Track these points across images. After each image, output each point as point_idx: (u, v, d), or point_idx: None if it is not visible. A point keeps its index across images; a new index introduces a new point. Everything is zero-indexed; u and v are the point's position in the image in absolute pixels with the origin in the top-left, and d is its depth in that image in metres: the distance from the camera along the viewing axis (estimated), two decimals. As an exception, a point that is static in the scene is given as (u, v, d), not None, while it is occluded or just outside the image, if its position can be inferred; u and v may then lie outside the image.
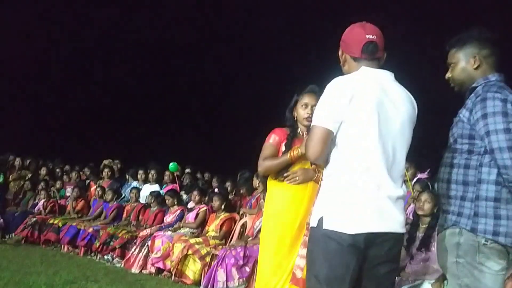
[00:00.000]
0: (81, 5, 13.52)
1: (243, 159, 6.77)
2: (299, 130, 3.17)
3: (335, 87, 2.15)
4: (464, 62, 2.35)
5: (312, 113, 2.95)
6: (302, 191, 2.99)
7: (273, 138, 3.16)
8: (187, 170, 9.00)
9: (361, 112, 2.09)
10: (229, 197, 6.76)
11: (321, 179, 2.27)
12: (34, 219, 8.00)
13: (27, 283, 5.03)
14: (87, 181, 9.22)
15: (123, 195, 8.10)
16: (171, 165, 7.74)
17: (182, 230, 6.27)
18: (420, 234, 3.95)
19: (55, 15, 13.38)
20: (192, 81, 14.14)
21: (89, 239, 7.15)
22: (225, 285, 4.85)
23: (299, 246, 2.92)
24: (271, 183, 3.15)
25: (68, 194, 8.88)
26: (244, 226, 5.77)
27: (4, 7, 12.58)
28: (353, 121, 2.09)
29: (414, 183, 5.20)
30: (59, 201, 8.71)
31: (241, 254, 4.95)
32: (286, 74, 10.82)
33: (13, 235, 8.04)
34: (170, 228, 6.42)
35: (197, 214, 6.41)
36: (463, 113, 2.26)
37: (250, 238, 5.24)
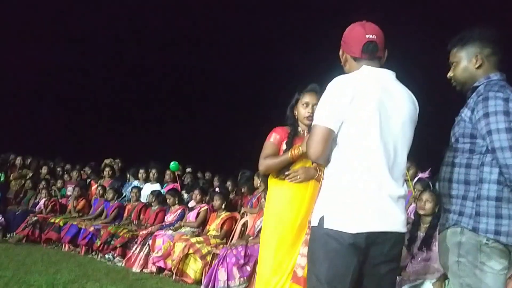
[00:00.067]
0: (81, 4, 13.52)
1: (243, 158, 6.78)
2: (299, 129, 3.17)
3: (336, 86, 2.15)
4: (466, 61, 2.34)
5: (313, 112, 2.95)
6: (303, 190, 2.99)
7: (274, 137, 3.16)
8: (188, 170, 9.00)
9: (362, 111, 2.08)
10: (230, 196, 6.77)
11: (322, 178, 2.27)
12: (35, 218, 8.01)
13: (28, 282, 5.04)
14: (88, 180, 9.23)
15: (124, 194, 8.10)
16: (172, 164, 7.75)
17: (183, 229, 6.28)
18: (421, 234, 3.95)
19: (55, 14, 13.38)
20: (192, 81, 14.14)
21: (90, 238, 7.16)
22: (226, 284, 4.85)
23: (300, 245, 2.93)
24: (272, 182, 3.15)
25: (69, 193, 8.89)
26: (245, 225, 5.77)
27: (4, 7, 12.58)
28: (354, 121, 2.09)
29: (415, 182, 5.20)
30: (60, 200, 8.72)
31: (242, 253, 4.95)
32: (286, 73, 10.81)
33: (14, 234, 8.04)
34: (171, 227, 6.43)
35: (198, 213, 6.41)
36: (465, 112, 2.26)
37: (251, 238, 5.24)
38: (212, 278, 4.94)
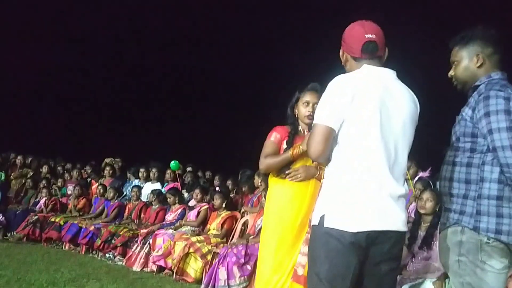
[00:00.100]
0: (81, 4, 13.52)
1: (244, 157, 6.78)
2: (300, 128, 3.17)
3: (337, 85, 2.15)
4: (467, 60, 2.34)
5: (313, 111, 2.95)
6: (303, 189, 2.99)
7: (274, 136, 3.16)
8: (189, 169, 9.01)
9: (363, 111, 2.09)
10: (231, 195, 6.77)
11: (323, 177, 2.27)
12: (36, 217, 8.02)
13: (28, 281, 5.04)
14: (89, 179, 9.24)
15: (125, 194, 8.11)
16: (173, 163, 7.75)
17: (184, 228, 6.28)
18: (421, 233, 3.95)
19: (55, 14, 13.38)
20: (193, 80, 14.14)
21: (90, 237, 7.17)
22: (226, 284, 4.85)
23: (300, 244, 2.93)
24: (272, 181, 3.15)
25: (69, 192, 8.90)
26: (245, 224, 5.77)
27: (4, 7, 12.58)
28: (355, 120, 2.09)
29: (416, 181, 5.21)
30: (60, 199, 8.72)
31: (243, 252, 4.95)
32: (287, 73, 10.81)
33: (14, 233, 8.05)
34: (171, 227, 6.43)
35: (198, 213, 6.42)
36: (466, 112, 2.26)
37: (252, 237, 5.25)
38: (212, 277, 4.94)
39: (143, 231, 6.59)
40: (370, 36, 2.18)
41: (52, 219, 7.88)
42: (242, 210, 6.18)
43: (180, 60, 13.76)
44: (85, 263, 6.40)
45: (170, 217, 6.79)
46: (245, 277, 4.88)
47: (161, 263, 5.97)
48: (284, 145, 3.11)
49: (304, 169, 2.98)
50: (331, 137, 2.12)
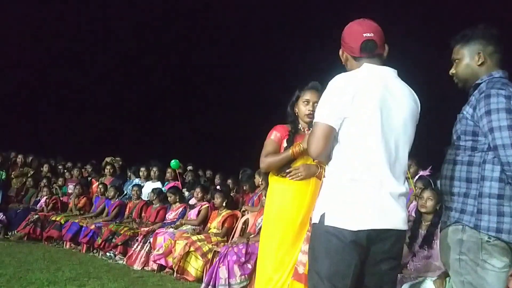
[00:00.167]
0: (79, 2, 13.53)
1: (244, 156, 6.78)
2: (300, 126, 3.17)
3: (337, 84, 2.15)
4: (468, 59, 2.34)
5: (313, 110, 2.95)
6: (304, 187, 2.99)
7: (275, 135, 3.16)
8: (189, 168, 9.01)
9: (364, 109, 2.08)
10: (231, 194, 6.77)
11: (323, 176, 2.27)
12: (37, 216, 8.03)
13: (29, 279, 5.05)
14: (89, 178, 9.24)
15: (125, 192, 8.11)
16: (173, 162, 7.75)
17: (184, 227, 6.29)
18: (422, 232, 3.95)
19: (54, 14, 13.38)
20: (193, 80, 14.14)
21: (91, 236, 7.17)
22: (227, 282, 4.85)
23: (301, 242, 2.93)
24: (272, 180, 3.14)
25: (70, 191, 8.90)
26: (246, 223, 5.77)
27: (4, 7, 12.58)
28: (355, 118, 2.09)
29: (416, 180, 5.21)
30: (61, 198, 8.73)
31: (243, 251, 4.95)
32: (287, 72, 10.81)
33: (15, 232, 8.07)
34: (172, 225, 6.44)
35: (199, 211, 6.42)
36: (467, 110, 2.26)
37: (252, 235, 5.25)
38: (213, 276, 4.94)
39: (144, 229, 6.60)
40: (368, 34, 2.18)
41: (53, 218, 7.89)
42: (243, 209, 6.18)
43: (180, 60, 13.77)
44: (85, 262, 6.41)
45: (171, 216, 6.80)
46: (246, 276, 4.88)
47: (162, 262, 5.97)
48: (285, 144, 3.11)
49: (304, 168, 2.98)
50: (331, 136, 2.12)
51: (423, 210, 4.00)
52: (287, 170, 3.03)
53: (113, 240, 6.81)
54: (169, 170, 7.98)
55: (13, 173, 9.48)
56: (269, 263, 3.01)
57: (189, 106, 14.11)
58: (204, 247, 5.57)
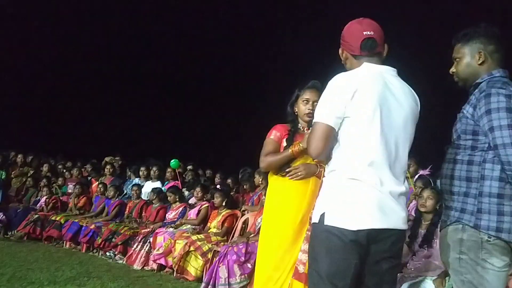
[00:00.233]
0: (78, 1, 13.52)
1: (244, 156, 6.78)
2: (300, 125, 3.17)
3: (337, 83, 2.15)
4: (469, 57, 2.34)
5: (313, 109, 2.95)
6: (304, 186, 2.99)
7: (274, 134, 3.16)
8: (189, 167, 9.01)
9: (364, 109, 2.08)
10: (231, 193, 6.77)
11: (323, 175, 2.27)
12: (37, 215, 8.02)
13: (29, 279, 5.05)
14: (89, 178, 9.24)
15: (125, 192, 8.11)
16: (173, 162, 7.75)
17: (184, 227, 6.29)
18: (422, 231, 3.95)
19: (54, 14, 13.38)
20: (193, 79, 14.14)
21: (91, 236, 7.17)
22: (227, 282, 4.85)
23: (301, 241, 2.93)
24: (272, 179, 3.14)
25: (70, 191, 8.90)
26: (246, 222, 5.77)
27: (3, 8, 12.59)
28: (355, 118, 2.09)
29: (416, 179, 5.21)
30: (61, 198, 8.73)
31: (243, 250, 4.95)
32: (287, 72, 10.81)
33: (15, 231, 8.07)
34: (172, 225, 6.43)
35: (199, 211, 6.42)
36: (467, 109, 2.26)
37: (252, 235, 5.24)
38: (213, 276, 4.94)
39: (144, 229, 6.60)
40: (368, 33, 2.18)
41: (53, 218, 7.89)
42: (243, 208, 6.18)
43: (180, 59, 13.76)
44: (85, 261, 6.41)
45: (171, 215, 6.80)
46: (246, 275, 4.88)
47: (162, 261, 5.97)
48: (284, 143, 3.11)
49: (304, 167, 2.98)
50: (331, 136, 2.12)
51: (423, 209, 4.00)
52: (287, 170, 3.02)
53: (113, 239, 6.81)
54: (169, 169, 7.97)
55: (13, 172, 9.47)
56: (269, 262, 3.00)
57: (189, 105, 14.10)
58: (204, 246, 5.57)
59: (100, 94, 14.28)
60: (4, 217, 8.17)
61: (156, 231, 6.31)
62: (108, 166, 8.88)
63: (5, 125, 12.42)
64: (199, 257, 5.53)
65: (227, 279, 4.85)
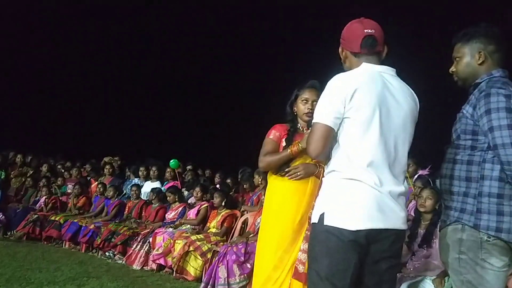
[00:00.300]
0: (77, 0, 13.52)
1: (243, 156, 6.78)
2: (299, 125, 3.17)
3: (336, 83, 2.15)
4: (469, 57, 2.33)
5: (312, 108, 2.95)
6: (303, 186, 2.99)
7: (274, 134, 3.16)
8: (189, 167, 9.01)
9: (363, 108, 2.08)
10: (230, 193, 6.77)
11: (322, 175, 2.27)
12: (36, 215, 8.02)
13: (28, 279, 5.05)
14: (88, 178, 9.23)
15: (124, 192, 8.11)
16: (172, 162, 7.75)
17: (184, 227, 6.29)
18: (421, 231, 3.94)
19: (54, 14, 13.38)
20: (193, 79, 14.13)
21: (90, 236, 7.16)
22: (226, 282, 4.85)
23: (301, 241, 2.93)
24: (271, 178, 3.15)
25: (69, 191, 8.90)
26: (245, 222, 5.77)
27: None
28: (354, 118, 2.09)
29: (415, 179, 5.21)
30: (60, 198, 8.72)
31: (242, 250, 4.95)
32: (287, 71, 10.81)
33: (15, 231, 8.06)
34: (171, 225, 6.43)
35: (198, 211, 6.42)
36: (467, 109, 2.25)
37: (252, 235, 5.25)
38: (212, 275, 4.94)
39: (143, 229, 6.60)
40: (369, 31, 2.19)
41: (52, 218, 7.88)
42: (242, 209, 6.18)
43: (180, 59, 13.75)
44: (85, 261, 6.41)
45: (170, 215, 6.79)
46: (245, 275, 4.88)
47: (161, 261, 5.97)
48: (284, 143, 3.11)
49: (303, 167, 2.98)
50: (330, 136, 2.12)
51: (422, 209, 4.00)
52: (286, 170, 3.02)
53: (113, 239, 6.80)
54: (168, 169, 7.97)
55: (12, 172, 9.47)
56: (268, 262, 3.00)
57: (189, 105, 14.10)
58: (204, 246, 5.57)
59: (99, 94, 14.28)
60: (3, 217, 8.17)
61: (156, 231, 6.30)
62: (107, 166, 8.87)
63: (5, 125, 12.41)
64: (199, 257, 5.53)
65: (226, 279, 4.85)
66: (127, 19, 13.63)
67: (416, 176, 5.33)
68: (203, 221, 6.31)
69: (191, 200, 6.99)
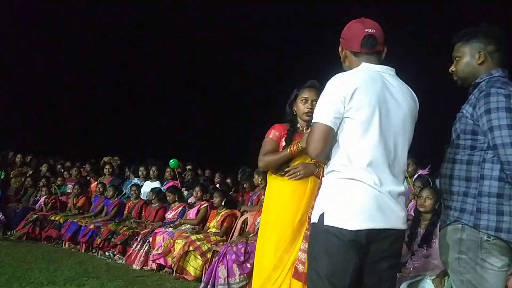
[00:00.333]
0: (77, 1, 13.52)
1: (243, 156, 6.78)
2: (299, 125, 3.17)
3: (335, 83, 2.14)
4: (469, 57, 2.33)
5: (312, 108, 2.95)
6: (303, 185, 2.99)
7: (273, 133, 3.16)
8: (189, 167, 9.00)
9: (363, 108, 2.08)
10: (230, 193, 6.76)
11: (322, 175, 2.27)
12: (36, 215, 8.02)
13: (28, 279, 5.05)
14: (88, 178, 9.23)
15: (124, 192, 8.11)
16: (172, 161, 7.74)
17: (183, 227, 6.29)
18: (421, 231, 3.95)
19: (53, 14, 13.38)
20: (192, 78, 14.13)
21: (90, 236, 7.16)
22: (226, 282, 4.85)
23: (300, 241, 2.93)
24: (271, 178, 3.15)
25: (69, 191, 8.90)
26: (245, 222, 5.77)
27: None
28: (354, 117, 2.09)
29: (415, 179, 5.20)
30: (60, 198, 8.72)
31: (242, 250, 4.95)
32: (287, 71, 10.81)
33: (14, 231, 8.06)
34: (171, 225, 6.43)
35: (198, 211, 6.42)
36: (466, 109, 2.25)
37: (251, 235, 5.24)
38: (212, 275, 4.94)
39: (143, 229, 6.60)
40: (370, 30, 2.20)
41: (52, 218, 7.88)
42: (242, 209, 6.18)
43: (179, 59, 13.75)
44: (85, 261, 6.41)
45: (170, 215, 6.79)
46: (245, 275, 4.88)
47: (161, 261, 5.97)
48: (283, 143, 3.11)
49: (303, 167, 2.98)
50: (330, 136, 2.12)
51: (422, 209, 4.00)
52: (286, 169, 3.02)
53: (112, 239, 6.80)
54: (168, 169, 7.97)
55: (12, 172, 9.47)
56: (267, 262, 3.00)
57: (188, 105, 14.10)
58: (203, 246, 5.57)
59: (99, 94, 14.28)
60: (3, 217, 8.16)
61: (156, 231, 6.30)
62: (107, 166, 8.87)
63: (5, 125, 12.41)
64: (198, 257, 5.53)
65: (226, 279, 4.85)
66: (127, 19, 13.63)
67: (416, 176, 5.33)
68: (203, 221, 6.31)
69: (191, 200, 6.99)
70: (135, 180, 8.25)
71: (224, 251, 5.02)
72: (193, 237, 5.66)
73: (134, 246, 6.44)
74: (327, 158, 2.20)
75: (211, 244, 5.61)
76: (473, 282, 2.15)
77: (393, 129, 2.14)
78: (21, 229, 7.94)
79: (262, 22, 12.42)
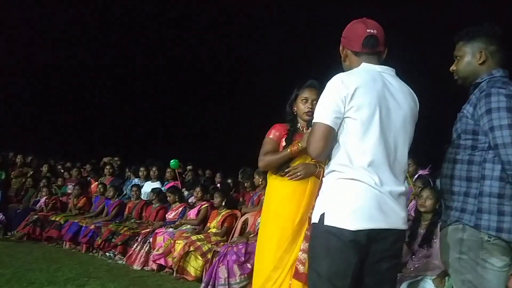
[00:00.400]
0: (76, 1, 13.53)
1: (243, 156, 6.78)
2: (299, 125, 3.17)
3: (336, 83, 2.14)
4: (470, 56, 2.33)
5: (312, 108, 2.95)
6: (303, 186, 2.98)
7: (274, 133, 3.16)
8: (189, 167, 9.01)
9: (363, 108, 2.08)
10: (230, 193, 6.76)
11: (322, 175, 2.26)
12: (36, 216, 8.02)
13: (29, 279, 5.05)
14: (88, 178, 9.23)
15: (125, 192, 8.11)
16: (173, 162, 7.75)
17: (184, 227, 6.29)
18: (422, 231, 3.94)
19: (53, 14, 13.38)
20: (193, 78, 14.14)
21: (91, 236, 7.16)
22: (226, 282, 4.85)
23: (301, 241, 2.93)
24: (271, 178, 3.14)
25: (69, 191, 8.90)
26: (245, 222, 5.77)
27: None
28: (355, 117, 2.09)
29: (416, 179, 5.20)
30: (60, 198, 8.73)
31: (243, 250, 4.95)
32: (287, 71, 10.81)
33: (15, 232, 8.06)
34: (172, 225, 6.43)
35: (198, 211, 6.42)
36: (467, 109, 2.25)
37: (252, 235, 5.24)
38: (212, 276, 4.94)
39: (144, 229, 6.60)
40: (371, 30, 2.20)
41: (53, 218, 7.88)
42: (242, 210, 6.17)
43: (178, 59, 13.76)
44: (85, 261, 6.41)
45: (171, 215, 6.79)
46: (246, 275, 4.88)
47: (162, 261, 5.97)
48: (284, 143, 3.11)
49: (303, 167, 2.98)
50: (331, 136, 2.12)
51: (422, 209, 3.99)
52: (286, 170, 3.02)
53: (113, 240, 6.81)
54: (168, 169, 7.97)
55: (12, 173, 9.48)
56: (267, 262, 3.00)
57: (189, 105, 14.11)
58: (204, 246, 5.57)
59: (100, 94, 14.29)
60: (4, 217, 8.17)
61: (156, 231, 6.30)
62: (107, 167, 8.88)
63: (5, 126, 12.42)
64: (199, 257, 5.53)
65: (227, 279, 4.85)
66: (127, 18, 13.63)
67: (416, 176, 5.33)
68: (204, 221, 6.31)
69: (192, 200, 6.99)
70: (136, 181, 8.25)
71: (225, 252, 5.02)
72: (194, 238, 5.66)
73: (134, 246, 6.44)
74: (327, 158, 2.20)
75: (211, 245, 5.61)
76: (473, 282, 2.15)
77: (394, 129, 2.13)
78: (22, 229, 7.94)
79: (262, 22, 12.42)
